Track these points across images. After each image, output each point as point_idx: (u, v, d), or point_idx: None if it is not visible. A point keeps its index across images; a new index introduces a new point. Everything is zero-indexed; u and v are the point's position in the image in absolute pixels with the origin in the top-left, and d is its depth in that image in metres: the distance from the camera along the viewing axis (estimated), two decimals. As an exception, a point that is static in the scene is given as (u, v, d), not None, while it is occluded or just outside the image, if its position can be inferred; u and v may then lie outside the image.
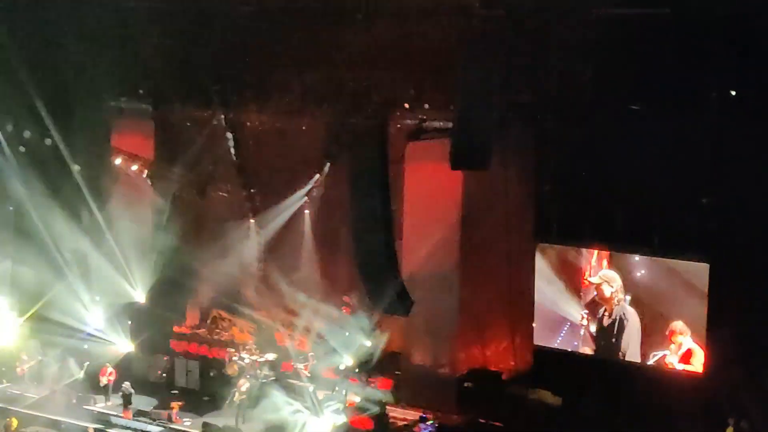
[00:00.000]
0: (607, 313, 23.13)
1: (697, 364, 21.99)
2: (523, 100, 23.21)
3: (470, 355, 25.84)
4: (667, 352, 22.36)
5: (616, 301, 22.93)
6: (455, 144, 21.61)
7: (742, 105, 20.74)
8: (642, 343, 22.68)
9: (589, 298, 23.35)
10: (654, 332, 22.54)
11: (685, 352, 22.09)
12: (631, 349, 22.87)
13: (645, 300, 22.65)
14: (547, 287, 23.71)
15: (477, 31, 21.53)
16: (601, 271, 23.05)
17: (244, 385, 25.03)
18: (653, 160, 21.92)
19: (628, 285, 22.82)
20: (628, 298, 22.83)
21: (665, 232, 22.09)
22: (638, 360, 22.79)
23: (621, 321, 22.93)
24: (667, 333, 22.29)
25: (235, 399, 24.87)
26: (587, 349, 23.51)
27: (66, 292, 27.02)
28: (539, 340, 24.10)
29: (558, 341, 23.83)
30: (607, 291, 23.00)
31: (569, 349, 23.69)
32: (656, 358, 22.54)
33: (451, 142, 21.74)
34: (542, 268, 23.71)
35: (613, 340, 23.05)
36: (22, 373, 27.05)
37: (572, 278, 23.52)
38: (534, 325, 24.08)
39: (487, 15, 22.19)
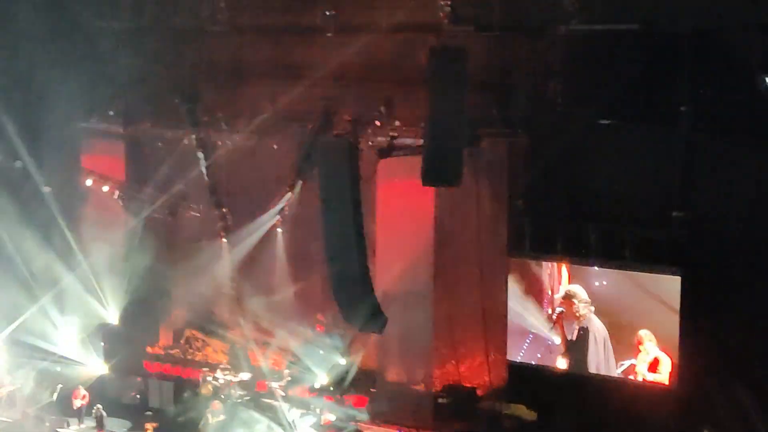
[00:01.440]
0: (574, 327, 23.14)
1: (665, 372, 21.98)
2: (493, 116, 23.30)
3: (445, 372, 25.77)
4: (634, 361, 22.38)
5: (582, 314, 22.93)
6: (427, 160, 21.60)
7: (712, 119, 20.86)
8: (611, 353, 22.70)
9: (555, 312, 23.35)
10: (622, 342, 22.54)
11: (652, 360, 22.12)
12: (600, 361, 22.88)
13: (612, 311, 22.65)
14: (518, 302, 23.72)
15: (446, 47, 21.58)
16: (567, 287, 23.06)
17: (218, 405, 24.87)
18: (624, 174, 22.13)
19: (594, 297, 22.83)
20: (593, 309, 22.85)
21: (637, 245, 22.15)
22: (608, 372, 22.78)
23: (588, 334, 22.92)
24: (634, 341, 22.30)
25: (209, 419, 24.71)
26: (553, 362, 23.51)
27: (37, 314, 26.78)
28: (513, 355, 24.09)
29: (521, 354, 23.83)
30: (572, 306, 23.00)
31: (533, 362, 23.69)
32: (624, 368, 22.54)
33: (423, 159, 21.73)
34: (514, 283, 23.72)
35: (582, 352, 23.05)
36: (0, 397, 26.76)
37: (539, 292, 23.55)
38: (507, 340, 24.11)
39: (457, 31, 22.34)
